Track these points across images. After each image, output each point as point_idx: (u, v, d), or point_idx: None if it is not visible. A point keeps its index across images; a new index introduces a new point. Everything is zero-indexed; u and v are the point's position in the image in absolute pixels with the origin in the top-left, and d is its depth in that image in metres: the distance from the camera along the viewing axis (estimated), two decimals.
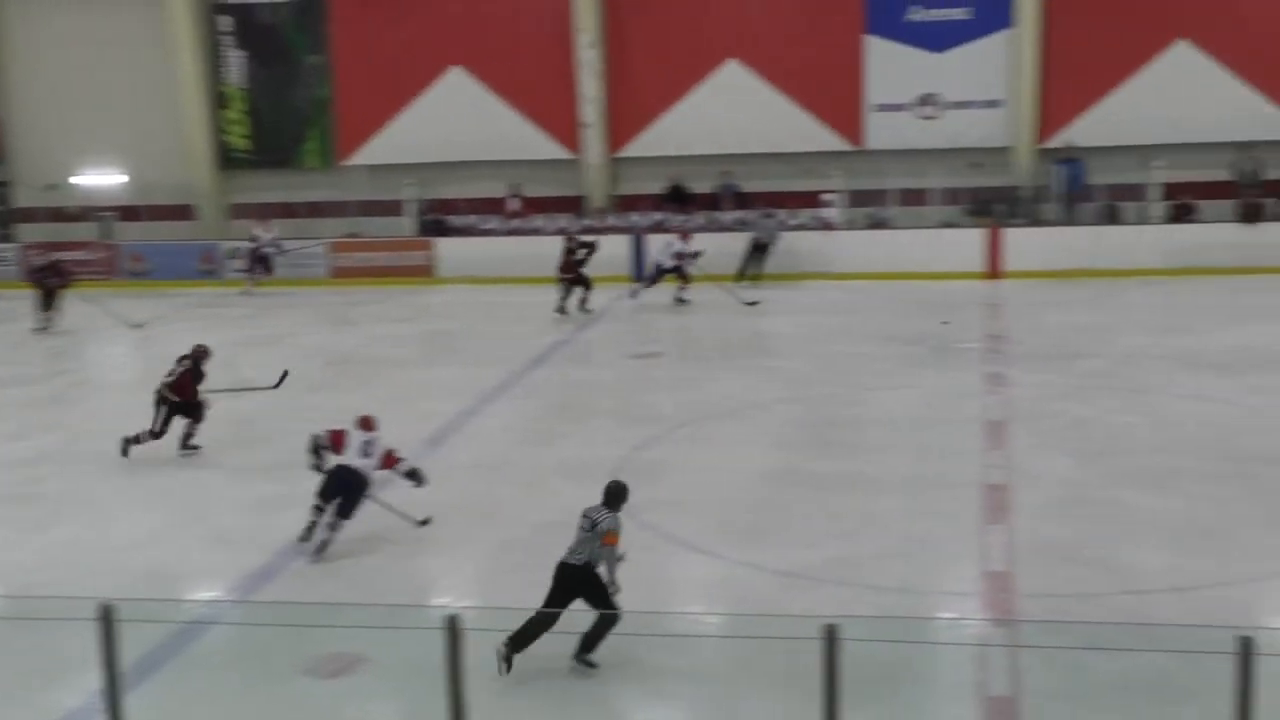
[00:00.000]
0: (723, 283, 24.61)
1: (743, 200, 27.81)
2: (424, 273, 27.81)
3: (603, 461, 14.67)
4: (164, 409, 14.97)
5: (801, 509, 13.00)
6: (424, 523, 12.27)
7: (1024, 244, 25.75)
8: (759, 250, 25.94)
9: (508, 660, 9.24)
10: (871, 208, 27.46)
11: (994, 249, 25.81)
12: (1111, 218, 26.38)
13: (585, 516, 9.64)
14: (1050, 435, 15.46)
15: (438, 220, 28.63)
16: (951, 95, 27.35)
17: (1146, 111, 26.43)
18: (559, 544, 12.45)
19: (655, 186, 28.30)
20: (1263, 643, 6.74)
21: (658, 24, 28.29)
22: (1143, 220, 26.14)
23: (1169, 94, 26.36)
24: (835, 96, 27.66)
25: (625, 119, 28.60)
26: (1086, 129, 26.72)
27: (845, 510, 13.09)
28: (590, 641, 9.36)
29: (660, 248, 24.43)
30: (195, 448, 15.19)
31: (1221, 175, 26.11)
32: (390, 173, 29.11)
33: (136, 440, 14.95)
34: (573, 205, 28.48)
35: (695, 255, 23.94)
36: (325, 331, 23.38)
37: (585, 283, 23.16)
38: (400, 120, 29.33)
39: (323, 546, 11.82)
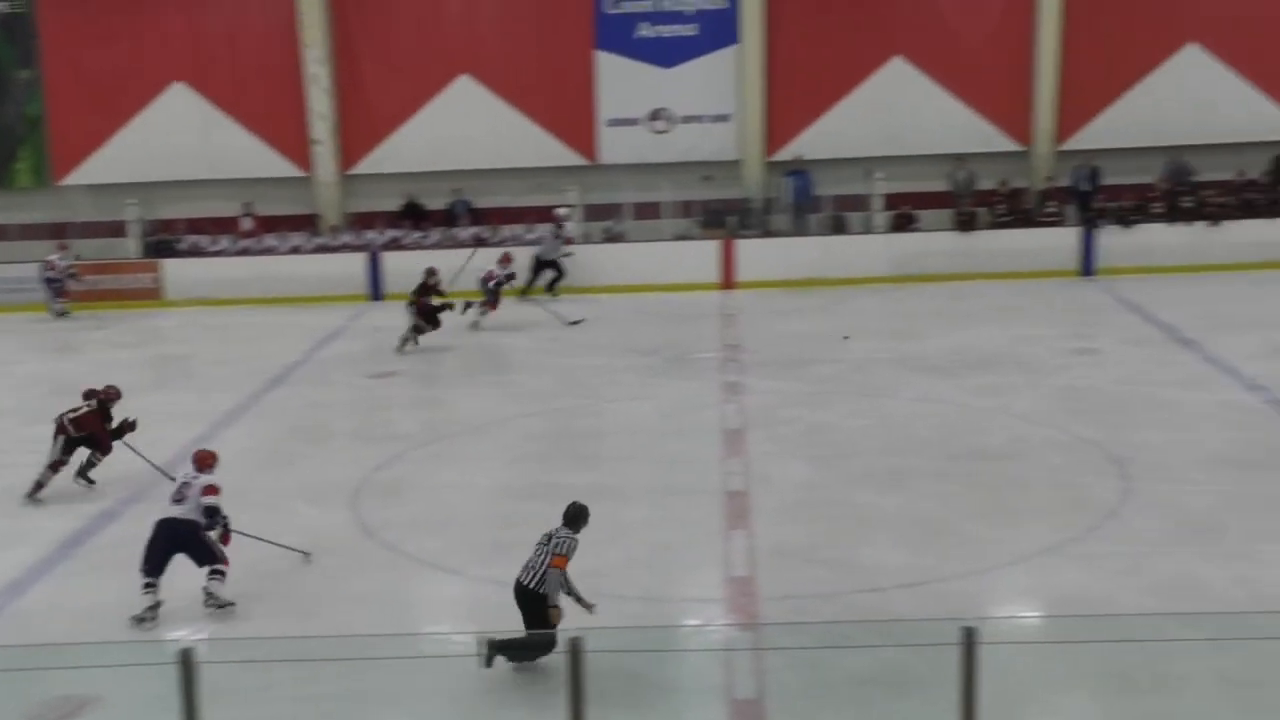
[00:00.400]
0: (534, 299, 24.56)
1: (478, 216, 27.71)
2: (151, 295, 26.79)
3: (344, 483, 14.43)
4: (62, 439, 14.26)
5: (546, 522, 12.98)
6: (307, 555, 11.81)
7: (756, 255, 26.36)
8: (543, 267, 25.79)
9: (488, 658, 9.31)
10: (607, 221, 27.70)
11: (727, 260, 26.36)
12: (839, 228, 27.25)
13: (545, 535, 9.80)
14: (786, 441, 15.86)
15: (164, 241, 27.65)
16: (682, 110, 27.82)
17: (868, 125, 27.38)
18: (299, 570, 12.16)
19: (391, 204, 27.96)
20: (986, 632, 7.03)
21: (388, 39, 27.96)
22: (868, 230, 27.05)
23: (888, 108, 27.39)
24: (568, 111, 27.83)
25: (357, 135, 28.16)
26: (812, 142, 27.54)
27: (589, 522, 13.14)
28: (512, 651, 9.45)
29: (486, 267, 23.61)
30: (91, 481, 14.45)
31: (939, 186, 27.27)
32: (112, 192, 27.95)
33: (39, 486, 14.16)
34: (306, 223, 27.89)
35: (509, 278, 23.57)
36: (46, 359, 22.30)
37: (436, 323, 21.79)
38: (121, 137, 28.20)
39: (223, 607, 10.96)
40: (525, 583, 9.64)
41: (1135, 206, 26.33)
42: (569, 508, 9.95)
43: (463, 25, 27.90)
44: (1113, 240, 26.06)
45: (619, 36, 27.63)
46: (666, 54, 27.66)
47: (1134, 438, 15.36)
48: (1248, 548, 12.11)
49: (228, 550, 11.19)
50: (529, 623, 9.58)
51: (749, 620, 10.77)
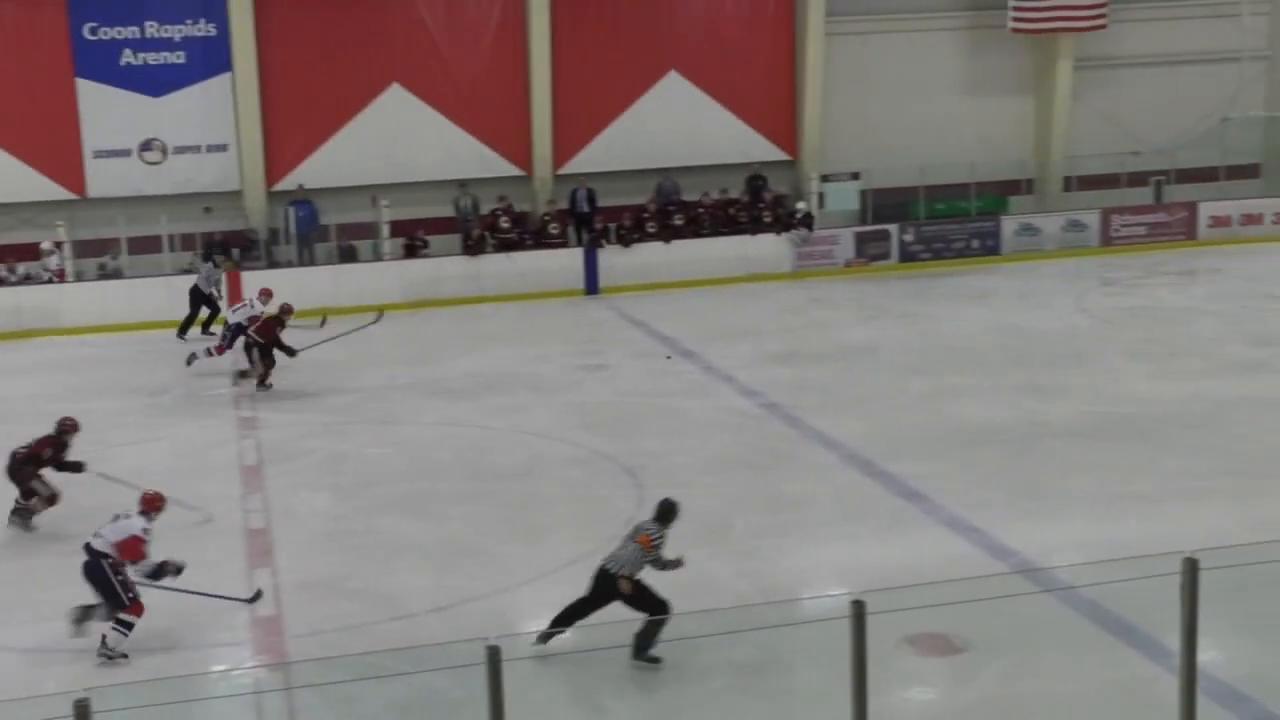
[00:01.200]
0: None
1: None
2: None
3: None
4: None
5: (48, 580, 12.17)
6: (255, 598, 11.57)
7: (264, 286, 25.65)
8: (201, 300, 24.16)
9: (546, 637, 9.95)
10: (103, 257, 26.24)
11: (234, 294, 25.54)
12: (348, 256, 27.01)
13: (634, 528, 10.45)
14: (307, 473, 15.59)
15: None
16: (176, 140, 26.77)
17: (371, 152, 27.29)
18: None
19: None
20: (516, 648, 7.14)
21: None
22: (378, 257, 26.97)
23: (390, 135, 27.43)
24: (51, 143, 26.19)
25: None
26: (315, 170, 27.16)
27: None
28: (643, 641, 9.85)
29: (237, 308, 21.18)
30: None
31: (446, 211, 27.56)
32: None
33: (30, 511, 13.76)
34: None
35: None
36: None
37: (269, 362, 19.71)
38: None
39: (114, 658, 10.57)
40: (608, 568, 10.16)
41: (633, 226, 27.57)
42: (662, 502, 10.49)
43: None
44: (614, 259, 27.19)
45: (101, 65, 26.28)
46: (154, 82, 26.57)
47: (644, 447, 16.06)
48: (751, 544, 12.92)
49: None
50: (599, 603, 10.15)
51: (278, 660, 10.49)
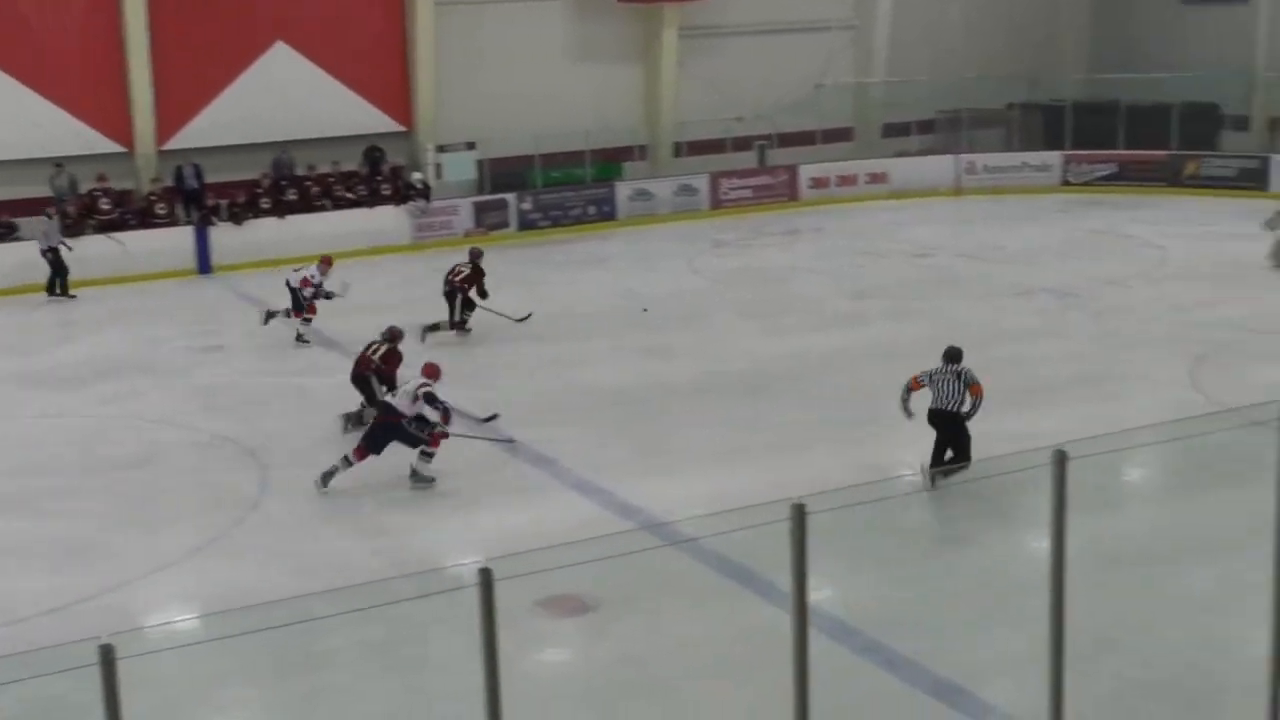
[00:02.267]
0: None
1: None
2: None
3: None
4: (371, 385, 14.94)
5: None
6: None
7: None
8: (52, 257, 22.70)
9: (933, 480, 12.55)
10: None
11: None
12: None
13: (943, 372, 12.52)
14: None
15: None
16: None
17: None
18: None
19: None
20: (136, 644, 6.87)
21: None
22: None
23: None
24: None
25: None
26: None
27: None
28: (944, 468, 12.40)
29: (297, 270, 19.83)
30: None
31: (42, 191, 25.94)
32: None
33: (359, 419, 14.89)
34: None
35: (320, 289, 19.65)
36: None
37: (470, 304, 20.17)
38: None
39: (426, 483, 13.27)
40: (946, 408, 12.43)
41: (246, 202, 26.76)
42: (950, 349, 12.69)
43: None
44: (226, 237, 26.30)
45: None
46: None
47: (267, 427, 15.71)
48: (382, 520, 12.88)
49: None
50: (950, 440, 12.46)
51: None
